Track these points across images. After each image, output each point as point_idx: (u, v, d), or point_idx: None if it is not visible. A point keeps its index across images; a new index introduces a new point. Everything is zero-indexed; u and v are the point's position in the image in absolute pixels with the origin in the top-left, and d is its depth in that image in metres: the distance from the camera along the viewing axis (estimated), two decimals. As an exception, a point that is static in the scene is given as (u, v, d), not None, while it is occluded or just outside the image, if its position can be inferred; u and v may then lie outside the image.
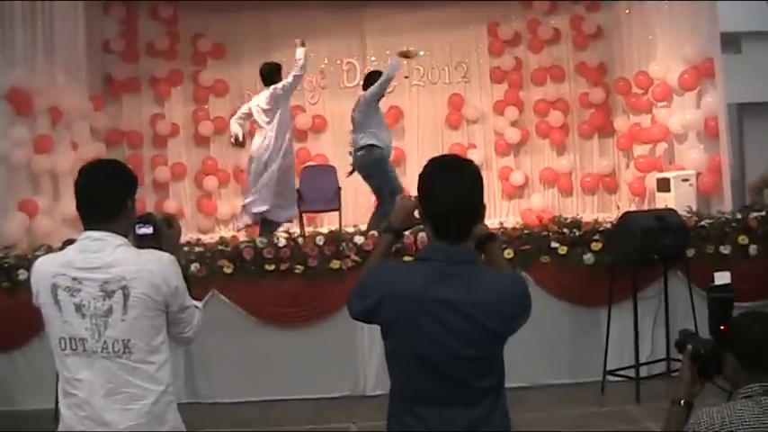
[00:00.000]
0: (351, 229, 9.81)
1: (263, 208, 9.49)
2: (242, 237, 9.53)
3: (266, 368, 8.06)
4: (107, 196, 3.22)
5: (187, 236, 11.74)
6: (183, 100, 12.57)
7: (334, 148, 12.22)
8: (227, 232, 12.10)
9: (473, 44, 12.87)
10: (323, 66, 12.59)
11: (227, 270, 8.03)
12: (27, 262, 7.47)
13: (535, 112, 12.72)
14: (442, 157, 3.13)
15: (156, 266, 3.16)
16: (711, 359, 3.17)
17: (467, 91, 12.84)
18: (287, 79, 9.42)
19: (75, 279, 3.10)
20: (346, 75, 12.71)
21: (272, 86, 9.39)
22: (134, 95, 12.40)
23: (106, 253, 3.12)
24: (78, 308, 3.09)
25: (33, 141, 9.75)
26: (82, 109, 11.19)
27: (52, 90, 10.18)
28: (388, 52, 12.48)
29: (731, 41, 12.08)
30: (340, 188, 10.73)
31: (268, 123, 9.40)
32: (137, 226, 3.35)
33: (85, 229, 3.21)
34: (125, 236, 3.23)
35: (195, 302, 3.37)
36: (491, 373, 2.89)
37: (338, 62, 12.69)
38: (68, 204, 9.07)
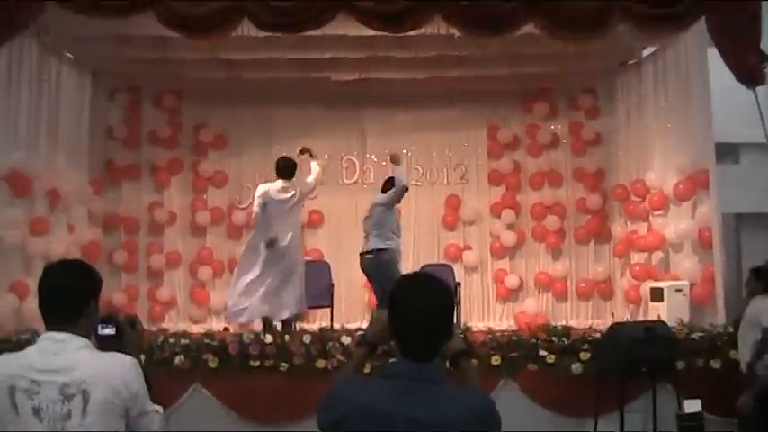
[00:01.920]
0: (344, 326, 9.81)
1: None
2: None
3: (247, 465, 7.96)
4: (70, 297, 3.20)
5: (178, 325, 11.85)
6: (181, 189, 12.61)
7: (329, 244, 12.26)
8: (218, 324, 12.04)
9: (472, 146, 12.96)
10: (323, 162, 12.66)
11: (212, 364, 7.98)
12: (11, 345, 7.40)
13: (532, 215, 12.74)
14: (414, 275, 3.13)
15: (118, 370, 3.12)
16: None
17: (464, 192, 12.89)
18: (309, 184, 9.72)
19: (33, 381, 3.05)
20: (345, 172, 12.79)
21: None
22: (134, 182, 12.44)
23: (67, 355, 3.09)
24: (36, 411, 3.04)
25: (30, 223, 9.80)
26: (81, 193, 11.28)
27: (53, 173, 10.27)
28: (387, 151, 12.63)
29: (729, 152, 12.15)
30: (333, 284, 10.71)
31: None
32: (99, 326, 3.33)
33: (47, 329, 3.18)
34: (87, 336, 3.20)
35: (156, 407, 3.32)
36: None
37: (338, 159, 12.76)
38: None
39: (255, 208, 9.46)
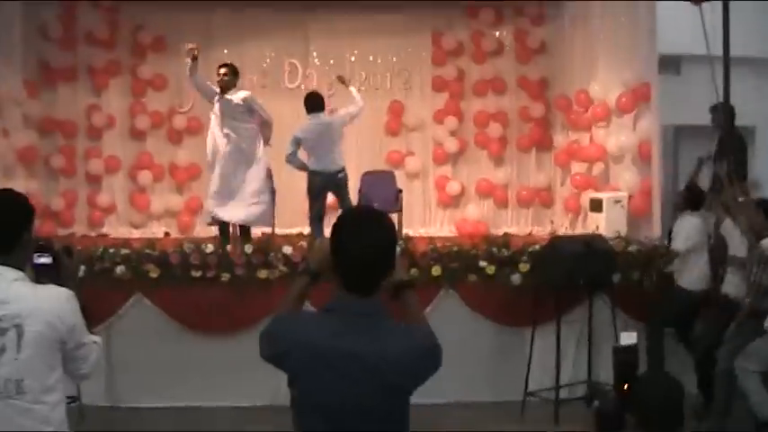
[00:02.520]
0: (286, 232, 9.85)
1: None
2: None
3: (188, 374, 8.05)
4: (2, 228, 3.13)
5: (118, 230, 11.76)
6: (120, 92, 12.30)
7: (270, 149, 12.10)
8: (158, 228, 11.98)
9: (416, 52, 12.79)
10: (265, 65, 12.48)
11: (153, 274, 7.96)
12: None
13: (475, 123, 12.69)
14: (357, 210, 3.11)
15: (53, 304, 3.09)
16: (614, 418, 3.22)
17: (407, 98, 12.78)
18: None
19: None
20: (288, 76, 12.57)
21: None
22: (70, 84, 12.09)
23: (0, 289, 3.04)
24: None
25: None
26: (15, 95, 10.99)
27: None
28: (332, 61, 12.50)
29: (671, 63, 12.19)
30: (275, 191, 10.67)
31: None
32: (35, 255, 3.28)
33: None
34: (21, 268, 3.15)
35: (94, 338, 3.30)
36: (395, 426, 2.89)
37: (280, 63, 12.55)
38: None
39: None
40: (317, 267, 3.07)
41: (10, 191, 3.35)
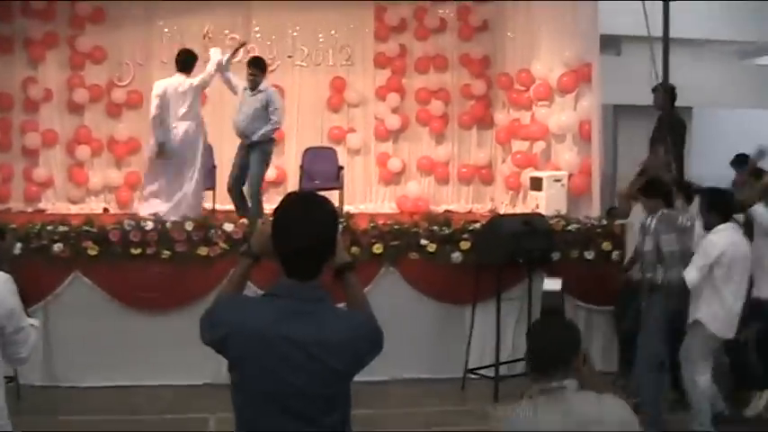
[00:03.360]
0: (227, 207, 9.80)
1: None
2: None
3: (128, 353, 8.00)
4: None
5: (56, 205, 11.60)
6: (58, 64, 12.07)
7: (212, 125, 11.94)
8: (97, 204, 11.84)
9: (358, 27, 12.74)
10: (206, 41, 12.30)
11: (92, 252, 7.89)
12: None
13: (416, 99, 12.70)
14: (296, 194, 3.12)
15: None
16: None
17: (350, 74, 12.72)
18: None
19: None
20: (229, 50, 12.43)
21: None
22: (6, 56, 11.82)
23: None
24: None
25: None
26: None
27: None
28: (274, 36, 12.41)
29: (612, 43, 12.36)
30: (215, 166, 10.62)
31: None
32: None
33: None
34: None
35: (32, 320, 3.29)
36: (336, 410, 2.90)
37: (222, 37, 12.39)
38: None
39: (153, 110, 9.19)
40: (259, 250, 3.08)
41: None
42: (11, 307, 3.11)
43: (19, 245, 7.53)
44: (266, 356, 2.79)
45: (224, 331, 2.87)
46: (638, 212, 7.76)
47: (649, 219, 6.97)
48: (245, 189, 9.43)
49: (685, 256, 6.77)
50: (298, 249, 2.85)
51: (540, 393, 3.14)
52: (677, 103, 9.61)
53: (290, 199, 3.00)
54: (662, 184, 7.31)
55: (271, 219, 2.95)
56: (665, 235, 6.84)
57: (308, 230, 2.85)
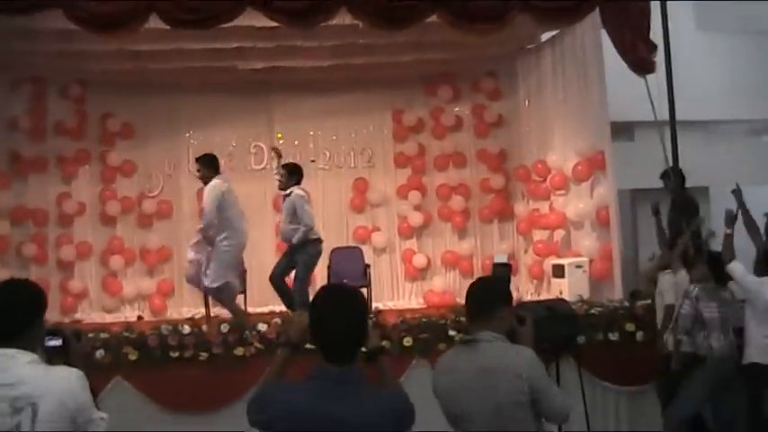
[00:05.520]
0: (258, 311, 10.01)
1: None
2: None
3: (169, 454, 8.08)
4: (17, 317, 3.38)
5: (91, 316, 11.86)
6: (90, 179, 12.56)
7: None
8: (131, 312, 12.11)
9: (378, 130, 13.20)
10: (231, 148, 12.76)
11: (132, 357, 8.10)
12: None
13: (437, 196, 13.06)
14: (329, 287, 3.45)
15: (65, 384, 3.32)
16: None
17: (371, 175, 13.14)
18: None
19: None
20: (254, 158, 12.89)
21: None
22: (41, 174, 12.31)
23: (16, 370, 3.27)
24: None
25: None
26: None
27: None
28: (296, 142, 12.85)
29: (625, 130, 12.63)
30: (245, 270, 10.87)
31: None
32: (46, 338, 3.53)
33: None
34: (34, 350, 3.39)
35: (101, 414, 3.53)
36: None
37: (246, 145, 12.86)
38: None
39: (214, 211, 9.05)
40: (297, 340, 3.39)
41: (25, 281, 3.62)
42: (82, 400, 3.38)
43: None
44: None
45: (272, 411, 3.15)
46: (666, 285, 8.02)
47: (693, 286, 7.29)
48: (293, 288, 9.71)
49: (726, 324, 7.09)
50: (336, 339, 3.16)
51: (461, 343, 3.96)
52: (693, 184, 9.84)
53: (323, 291, 3.32)
54: (711, 256, 7.60)
55: (306, 311, 3.27)
56: (704, 302, 7.23)
57: (342, 318, 3.17)
